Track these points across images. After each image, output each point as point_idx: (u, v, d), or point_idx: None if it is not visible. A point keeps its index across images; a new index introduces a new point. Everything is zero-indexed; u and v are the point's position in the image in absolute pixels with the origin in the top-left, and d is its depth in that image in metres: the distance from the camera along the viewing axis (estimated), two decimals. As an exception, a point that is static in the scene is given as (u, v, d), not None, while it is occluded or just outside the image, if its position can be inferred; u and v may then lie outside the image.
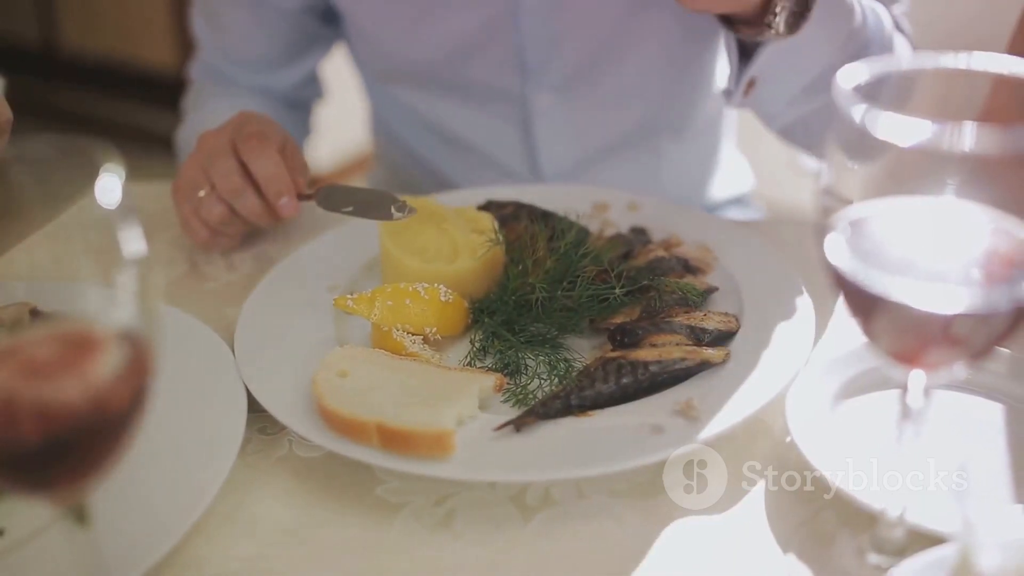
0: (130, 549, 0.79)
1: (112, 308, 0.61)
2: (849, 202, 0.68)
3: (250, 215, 1.18)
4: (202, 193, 1.17)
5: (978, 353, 0.67)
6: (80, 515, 0.64)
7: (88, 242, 0.60)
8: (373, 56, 1.50)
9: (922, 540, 0.76)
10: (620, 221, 1.23)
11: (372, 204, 1.14)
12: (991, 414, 0.92)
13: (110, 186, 0.58)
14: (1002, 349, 0.94)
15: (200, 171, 1.18)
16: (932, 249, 0.69)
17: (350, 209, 1.14)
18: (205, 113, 1.47)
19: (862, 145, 0.65)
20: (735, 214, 1.66)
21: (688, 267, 1.10)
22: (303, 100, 1.62)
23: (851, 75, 0.66)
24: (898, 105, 0.67)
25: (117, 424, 0.61)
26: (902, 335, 0.67)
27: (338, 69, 1.76)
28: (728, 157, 1.66)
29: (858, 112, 0.63)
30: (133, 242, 0.60)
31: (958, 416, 0.92)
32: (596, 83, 1.43)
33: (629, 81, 1.43)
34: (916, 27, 1.36)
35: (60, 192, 0.60)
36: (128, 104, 3.94)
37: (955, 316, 0.63)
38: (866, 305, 0.66)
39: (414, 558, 0.82)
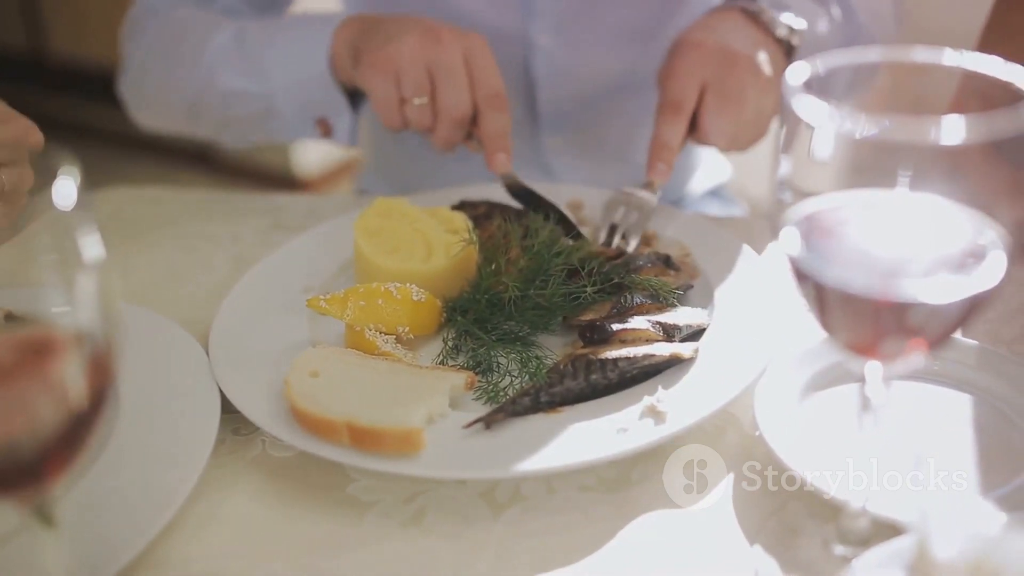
0: (103, 549, 0.79)
1: (72, 311, 0.61)
2: (806, 195, 0.69)
3: (449, 141, 1.22)
4: (422, 101, 1.19)
5: (933, 343, 0.67)
6: (45, 516, 0.65)
7: (47, 246, 0.61)
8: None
9: (888, 530, 0.77)
10: (595, 218, 1.24)
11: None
12: (959, 405, 0.92)
13: (66, 189, 0.59)
14: (966, 340, 0.95)
15: (424, 69, 1.18)
16: (888, 241, 0.70)
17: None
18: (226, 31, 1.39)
19: (818, 139, 0.65)
20: (712, 207, 1.67)
21: (669, 263, 1.10)
22: None
23: (805, 69, 0.67)
24: (853, 98, 0.68)
25: (78, 426, 0.61)
26: (857, 327, 0.67)
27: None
28: (707, 150, 1.67)
29: (812, 106, 0.64)
30: (92, 245, 0.60)
31: (926, 407, 0.93)
32: (594, 21, 1.45)
33: (625, 19, 1.45)
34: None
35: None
36: (116, 110, 3.93)
37: (908, 306, 0.64)
38: (822, 297, 0.67)
39: (385, 554, 0.83)
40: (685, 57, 1.21)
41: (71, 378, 0.60)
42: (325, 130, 1.36)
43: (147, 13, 1.50)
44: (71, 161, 0.59)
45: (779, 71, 1.23)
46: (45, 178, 0.59)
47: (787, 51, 1.25)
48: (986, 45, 1.35)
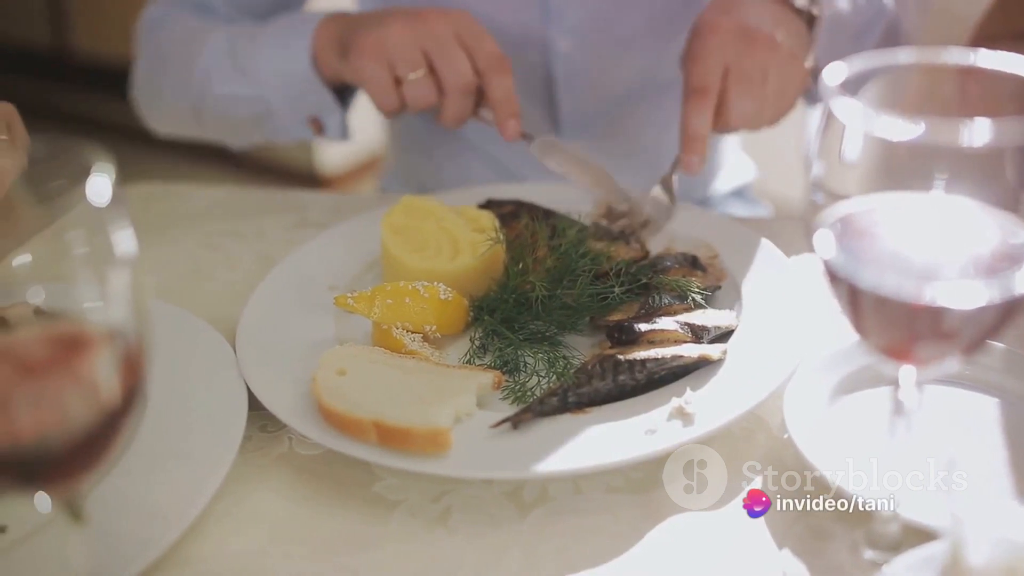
0: (130, 545, 0.80)
1: (104, 307, 0.61)
2: (840, 197, 0.68)
3: (459, 116, 1.22)
4: (417, 75, 1.19)
5: (968, 348, 0.67)
6: (75, 511, 0.65)
7: (80, 242, 0.61)
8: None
9: (918, 535, 0.76)
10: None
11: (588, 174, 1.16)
12: (987, 409, 0.92)
13: (100, 186, 0.59)
14: (997, 344, 0.94)
15: (416, 47, 1.18)
16: (922, 244, 0.69)
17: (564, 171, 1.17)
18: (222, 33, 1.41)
19: (852, 141, 0.65)
20: (737, 207, 1.66)
21: (697, 264, 1.10)
22: None
23: (839, 70, 0.67)
24: (887, 100, 0.68)
25: (109, 422, 0.61)
26: (892, 330, 0.67)
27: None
28: (731, 149, 1.67)
29: (847, 107, 0.64)
30: (124, 241, 0.60)
31: (954, 411, 0.92)
32: (612, 24, 1.44)
33: (643, 21, 1.44)
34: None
35: (50, 192, 0.60)
36: (139, 106, 3.96)
37: (944, 311, 0.63)
38: (856, 300, 0.66)
39: (410, 554, 0.82)
40: (705, 41, 1.19)
41: (103, 375, 0.61)
42: (317, 128, 1.37)
43: (154, 22, 1.51)
44: (105, 157, 0.60)
45: (801, 43, 1.22)
46: (78, 174, 0.59)
47: (808, 21, 1.24)
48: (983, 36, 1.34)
